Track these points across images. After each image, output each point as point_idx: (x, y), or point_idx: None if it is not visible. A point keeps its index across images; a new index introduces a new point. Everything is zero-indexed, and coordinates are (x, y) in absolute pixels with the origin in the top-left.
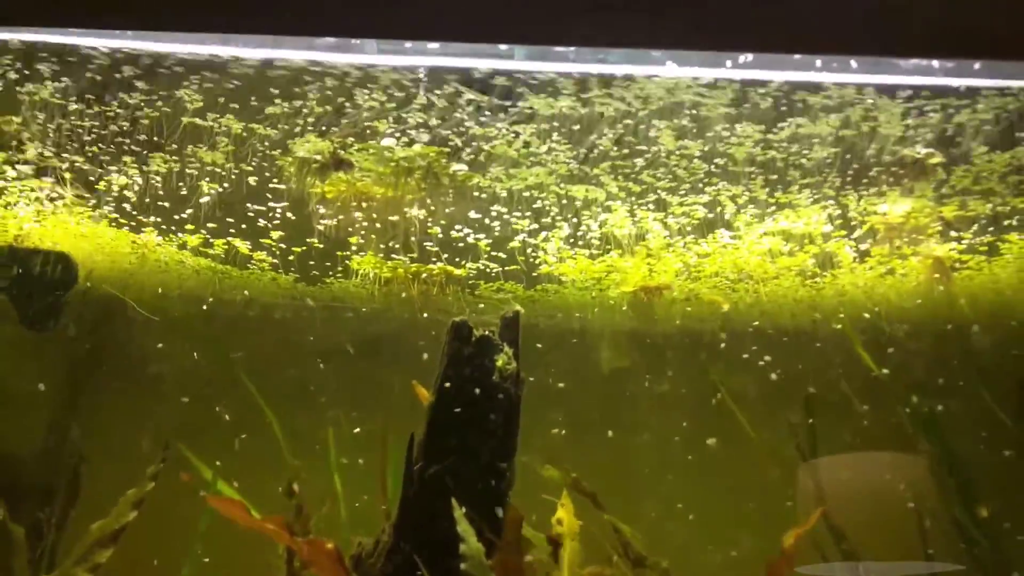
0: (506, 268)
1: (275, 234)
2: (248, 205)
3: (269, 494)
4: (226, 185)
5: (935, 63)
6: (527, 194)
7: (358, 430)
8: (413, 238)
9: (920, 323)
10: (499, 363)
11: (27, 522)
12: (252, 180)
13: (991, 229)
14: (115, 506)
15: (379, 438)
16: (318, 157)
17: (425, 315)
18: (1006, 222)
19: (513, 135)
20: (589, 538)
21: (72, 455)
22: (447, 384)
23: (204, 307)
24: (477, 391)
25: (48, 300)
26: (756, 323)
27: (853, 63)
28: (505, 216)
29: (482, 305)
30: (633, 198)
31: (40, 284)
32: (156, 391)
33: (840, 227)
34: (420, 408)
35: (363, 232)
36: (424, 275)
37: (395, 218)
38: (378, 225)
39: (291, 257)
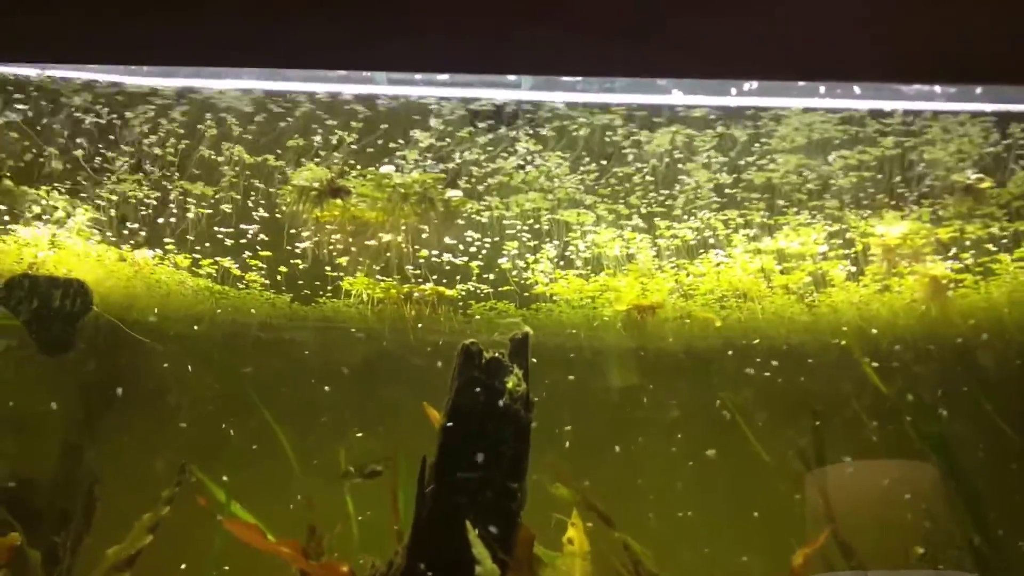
0: (499, 288)
1: (265, 254)
2: (247, 228)
3: (282, 514)
4: (228, 209)
5: None
6: (520, 219)
7: (361, 434)
8: (397, 260)
9: (919, 339)
10: (509, 385)
11: (43, 546)
12: (252, 207)
13: (973, 252)
14: (130, 530)
15: (385, 456)
16: (316, 185)
17: (419, 326)
18: (989, 245)
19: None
20: (599, 556)
21: (87, 478)
22: (458, 406)
23: (201, 327)
24: (488, 413)
25: (65, 328)
26: (756, 340)
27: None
28: (497, 239)
29: (479, 317)
30: (625, 219)
31: (58, 313)
32: (168, 413)
33: (845, 246)
34: (425, 424)
35: (357, 254)
36: (416, 295)
37: (378, 242)
38: (357, 251)
39: (278, 277)
